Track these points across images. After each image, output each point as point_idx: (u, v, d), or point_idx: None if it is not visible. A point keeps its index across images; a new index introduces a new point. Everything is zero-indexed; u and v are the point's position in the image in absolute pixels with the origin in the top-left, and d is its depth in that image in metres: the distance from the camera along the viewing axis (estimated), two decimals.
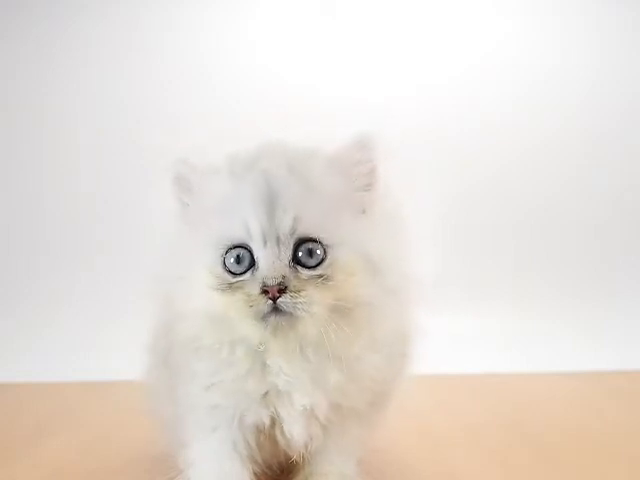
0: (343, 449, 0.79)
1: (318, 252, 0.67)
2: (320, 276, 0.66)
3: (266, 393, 0.71)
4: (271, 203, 0.66)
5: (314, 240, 0.67)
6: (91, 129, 2.03)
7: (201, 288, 0.69)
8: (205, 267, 0.69)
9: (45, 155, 2.05)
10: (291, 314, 0.65)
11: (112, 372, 1.68)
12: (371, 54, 2.05)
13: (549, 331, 1.89)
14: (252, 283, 0.66)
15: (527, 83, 2.06)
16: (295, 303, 0.65)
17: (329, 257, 0.67)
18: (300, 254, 0.67)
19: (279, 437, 0.74)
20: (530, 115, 2.06)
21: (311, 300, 0.65)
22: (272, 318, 0.65)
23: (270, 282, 0.65)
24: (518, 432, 1.13)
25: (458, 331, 1.81)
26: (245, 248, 0.67)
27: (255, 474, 0.77)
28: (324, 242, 0.67)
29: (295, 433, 0.73)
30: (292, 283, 0.65)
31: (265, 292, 0.65)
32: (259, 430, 0.75)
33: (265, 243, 0.66)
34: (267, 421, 0.73)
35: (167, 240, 0.75)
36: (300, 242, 0.67)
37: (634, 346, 1.85)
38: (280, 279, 0.65)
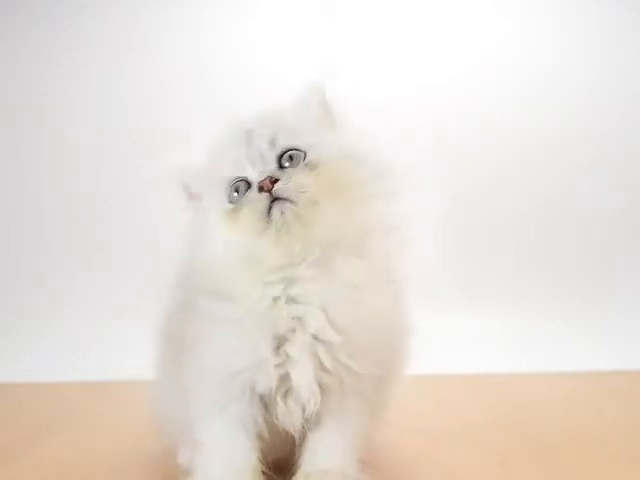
0: (344, 445, 0.79)
1: (299, 154, 0.75)
2: (306, 165, 0.74)
3: (283, 336, 0.74)
4: (248, 136, 0.76)
5: (293, 149, 0.75)
6: (91, 129, 2.03)
7: (219, 231, 0.75)
8: (219, 214, 0.76)
9: (45, 155, 2.05)
10: (289, 200, 0.71)
11: (112, 372, 1.68)
12: (371, 54, 2.05)
13: (549, 331, 1.89)
14: (250, 194, 0.74)
15: (527, 83, 2.07)
16: (289, 187, 0.71)
17: (309, 155, 0.75)
18: (284, 162, 0.75)
19: (280, 406, 0.76)
20: (530, 115, 2.06)
21: (303, 182, 0.72)
22: (275, 209, 0.71)
23: (262, 178, 0.73)
24: (518, 432, 1.14)
25: (458, 331, 1.82)
26: (242, 180, 0.75)
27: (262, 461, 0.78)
28: (302, 148, 0.75)
29: (302, 380, 0.74)
30: (282, 176, 0.72)
31: (261, 189, 0.72)
32: (264, 402, 0.77)
33: (253, 164, 0.75)
34: (275, 378, 0.74)
35: (185, 234, 0.81)
36: (281, 154, 0.75)
37: (634, 346, 1.86)
38: (269, 174, 0.73)
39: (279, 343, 0.74)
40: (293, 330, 0.74)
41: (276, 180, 0.72)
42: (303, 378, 0.74)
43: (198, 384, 0.79)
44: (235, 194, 0.75)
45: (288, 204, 0.71)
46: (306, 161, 0.75)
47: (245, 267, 0.74)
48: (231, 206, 0.75)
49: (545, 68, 2.07)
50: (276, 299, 0.74)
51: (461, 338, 1.80)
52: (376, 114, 1.91)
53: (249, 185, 0.75)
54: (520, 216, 2.04)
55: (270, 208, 0.71)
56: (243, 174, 0.75)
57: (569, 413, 1.29)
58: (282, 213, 0.71)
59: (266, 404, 0.77)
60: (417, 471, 0.94)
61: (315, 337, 0.73)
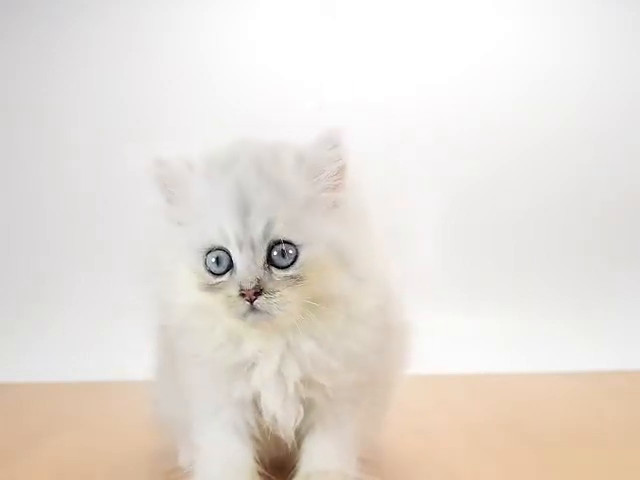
0: (342, 446, 0.80)
1: (290, 252, 0.72)
2: (293, 277, 0.71)
3: (243, 366, 0.76)
4: (244, 210, 0.71)
5: (286, 242, 0.71)
6: (91, 129, 2.03)
7: (185, 285, 0.75)
8: (188, 266, 0.74)
9: (45, 155, 2.05)
10: (267, 313, 0.71)
11: (112, 372, 1.68)
12: (371, 54, 2.05)
13: (549, 331, 1.89)
14: (231, 284, 0.72)
15: (527, 83, 2.06)
16: (270, 304, 0.70)
17: (301, 256, 0.72)
18: (274, 254, 0.72)
19: (266, 417, 0.78)
20: (530, 115, 2.06)
21: (285, 300, 0.71)
22: (250, 317, 0.71)
23: (247, 286, 0.70)
24: (518, 432, 1.14)
25: (458, 331, 1.82)
26: (224, 250, 0.72)
27: (258, 461, 0.79)
28: (296, 243, 0.72)
29: (270, 404, 0.76)
30: (267, 285, 0.71)
31: (242, 295, 0.70)
32: (253, 408, 0.78)
33: (241, 248, 0.71)
34: (248, 394, 0.77)
35: (154, 236, 0.81)
36: (273, 244, 0.72)
37: (634, 346, 1.86)
38: (255, 282, 0.70)
39: (241, 371, 0.76)
40: (250, 364, 0.76)
41: (260, 291, 0.70)
42: (272, 402, 0.76)
43: (190, 390, 0.80)
44: (214, 262, 0.72)
45: (265, 316, 0.71)
46: (295, 267, 0.71)
47: (197, 317, 0.76)
48: (209, 279, 0.73)
49: (545, 68, 2.07)
50: (222, 344, 0.76)
51: (461, 338, 1.80)
52: (376, 114, 1.92)
53: (231, 261, 0.72)
54: (520, 216, 2.04)
55: (245, 313, 0.71)
56: (228, 248, 0.72)
57: (569, 413, 1.29)
58: (256, 320, 0.71)
59: (260, 409, 0.78)
60: (417, 471, 0.94)
61: (278, 371, 0.75)
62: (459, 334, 1.80)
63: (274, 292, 0.70)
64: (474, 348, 1.80)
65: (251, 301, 0.70)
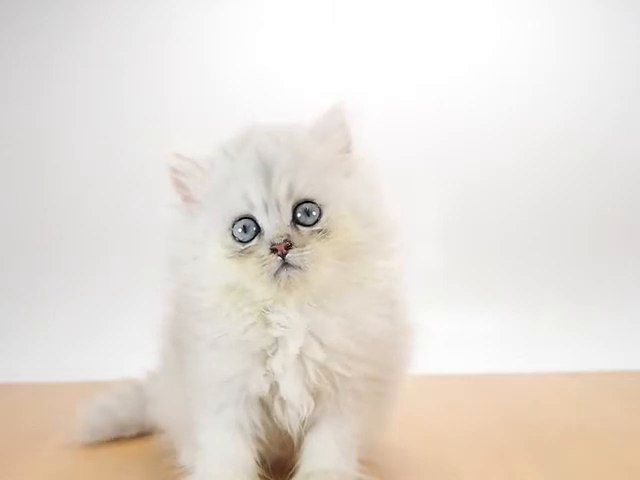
0: (343, 445, 0.80)
1: (314, 212, 0.75)
2: (320, 230, 0.75)
3: (268, 349, 0.75)
4: (266, 175, 0.74)
5: (310, 201, 0.75)
6: (91, 129, 2.03)
7: (216, 261, 0.75)
8: (217, 241, 0.76)
9: (45, 155, 2.05)
10: (299, 267, 0.72)
11: (112, 372, 1.68)
12: (371, 55, 2.05)
13: (549, 331, 1.89)
14: (261, 246, 0.73)
15: (527, 84, 2.06)
16: (302, 256, 0.72)
17: (325, 214, 0.75)
18: (299, 215, 0.75)
19: (277, 409, 0.78)
20: (531, 116, 2.06)
21: (316, 252, 0.73)
22: (283, 273, 0.72)
23: (277, 240, 0.72)
24: (519, 432, 1.13)
25: (458, 331, 1.82)
26: (250, 218, 0.75)
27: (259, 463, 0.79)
28: (318, 202, 0.75)
29: (289, 391, 0.76)
30: (296, 240, 0.73)
31: (274, 251, 0.72)
32: (262, 405, 0.79)
33: (267, 210, 0.74)
34: (266, 386, 0.76)
35: (173, 230, 0.81)
36: (297, 204, 0.75)
37: (635, 346, 1.85)
38: (285, 237, 0.72)
39: (264, 357, 0.76)
40: (274, 349, 0.75)
41: (290, 245, 0.72)
42: (291, 389, 0.76)
43: (195, 387, 0.80)
44: (241, 231, 0.75)
45: (297, 271, 0.72)
46: (320, 223, 0.75)
47: (230, 299, 0.76)
48: (237, 247, 0.74)
49: (546, 69, 2.07)
50: (253, 324, 0.75)
51: (462, 338, 1.80)
52: (376, 115, 1.92)
53: (258, 228, 0.74)
54: (521, 216, 2.04)
55: (278, 270, 0.72)
56: (254, 215, 0.74)
57: (571, 413, 1.29)
58: (289, 277, 0.72)
59: (267, 407, 0.79)
60: (417, 471, 0.94)
61: (299, 355, 0.75)
62: (461, 334, 1.80)
63: (304, 246, 0.72)
64: (476, 348, 1.79)
65: (283, 255, 0.71)
